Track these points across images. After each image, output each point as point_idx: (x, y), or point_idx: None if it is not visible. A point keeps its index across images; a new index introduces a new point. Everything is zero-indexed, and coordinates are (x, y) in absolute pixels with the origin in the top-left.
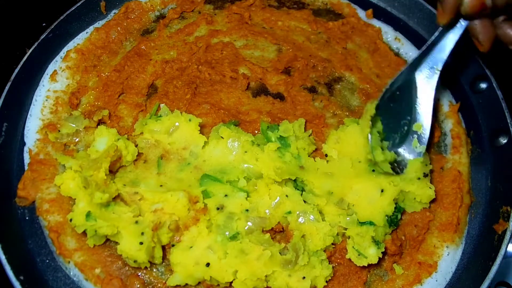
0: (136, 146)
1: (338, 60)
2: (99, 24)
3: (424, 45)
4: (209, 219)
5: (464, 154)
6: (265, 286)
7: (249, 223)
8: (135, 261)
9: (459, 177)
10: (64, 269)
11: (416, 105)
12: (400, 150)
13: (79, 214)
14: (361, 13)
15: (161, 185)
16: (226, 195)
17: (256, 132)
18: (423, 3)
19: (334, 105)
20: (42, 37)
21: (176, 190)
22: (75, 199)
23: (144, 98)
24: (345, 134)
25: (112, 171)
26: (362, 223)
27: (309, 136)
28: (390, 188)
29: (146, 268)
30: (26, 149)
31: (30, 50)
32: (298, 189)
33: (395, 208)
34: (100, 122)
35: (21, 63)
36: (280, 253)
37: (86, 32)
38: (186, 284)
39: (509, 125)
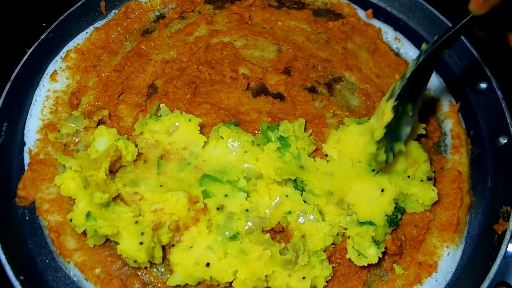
0: (136, 146)
1: (338, 60)
2: (99, 24)
3: (443, 34)
4: (209, 219)
5: (464, 154)
6: (265, 286)
7: (249, 223)
8: (135, 261)
9: (459, 177)
10: (64, 269)
11: (413, 87)
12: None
13: (79, 214)
14: (361, 13)
15: (161, 185)
16: (226, 195)
17: (256, 132)
18: (423, 3)
19: (334, 105)
20: (42, 37)
21: (176, 190)
22: (75, 199)
23: (144, 98)
24: (345, 134)
25: (112, 171)
26: (362, 223)
27: (309, 136)
28: (390, 188)
29: (146, 268)
30: (26, 149)
31: (30, 50)
32: (298, 189)
33: (395, 208)
34: (100, 122)
35: (21, 63)
36: (280, 253)
37: (86, 32)
38: (186, 284)
39: (509, 125)
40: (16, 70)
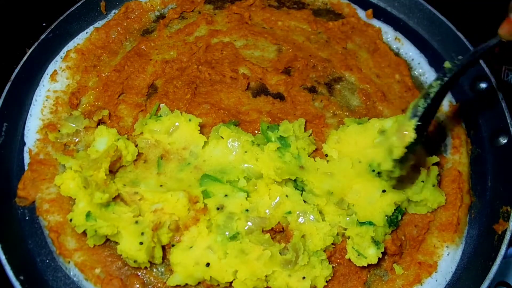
0: (136, 146)
1: (338, 60)
2: (99, 24)
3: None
4: (209, 219)
5: (464, 154)
6: (265, 286)
7: (249, 223)
8: (135, 261)
9: (459, 177)
10: (64, 269)
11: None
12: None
13: (79, 214)
14: (361, 13)
15: (161, 185)
16: (226, 195)
17: (256, 132)
18: (423, 3)
19: (334, 105)
20: (42, 37)
21: (176, 190)
22: (75, 199)
23: (144, 98)
24: (345, 134)
25: (112, 171)
26: (361, 223)
27: (309, 136)
28: (391, 189)
29: (146, 268)
30: (26, 149)
31: (30, 50)
32: (298, 189)
33: (396, 208)
34: (100, 122)
35: (21, 63)
36: (280, 253)
37: (86, 32)
38: (186, 284)
39: (509, 125)
40: (16, 70)
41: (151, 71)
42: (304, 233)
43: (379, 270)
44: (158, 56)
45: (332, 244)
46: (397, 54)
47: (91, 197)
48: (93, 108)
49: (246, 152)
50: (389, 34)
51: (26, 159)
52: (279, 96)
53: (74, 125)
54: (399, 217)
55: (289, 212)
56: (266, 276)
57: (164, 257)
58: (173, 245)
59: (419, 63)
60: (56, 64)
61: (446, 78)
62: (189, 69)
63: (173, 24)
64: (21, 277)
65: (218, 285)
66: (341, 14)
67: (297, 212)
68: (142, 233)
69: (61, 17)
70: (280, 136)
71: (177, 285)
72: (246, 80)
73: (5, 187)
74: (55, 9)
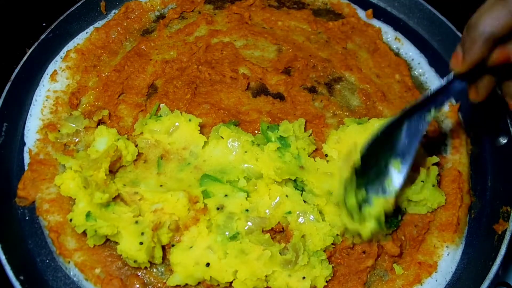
0: (136, 146)
1: (338, 60)
2: (99, 24)
3: (426, 93)
4: (209, 219)
5: (464, 154)
6: (265, 286)
7: (249, 223)
8: (135, 261)
9: (459, 177)
10: (64, 269)
11: (399, 145)
12: (371, 189)
13: (79, 214)
14: (361, 13)
15: (161, 185)
16: (226, 195)
17: (256, 132)
18: (423, 3)
19: (334, 105)
20: (42, 37)
21: (176, 190)
22: (75, 199)
23: (144, 98)
24: (345, 134)
25: (112, 171)
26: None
27: (309, 136)
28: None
29: (146, 268)
30: (26, 149)
31: (30, 50)
32: (298, 189)
33: (396, 209)
34: (100, 122)
35: (21, 63)
36: (280, 253)
37: (86, 32)
38: (186, 284)
39: (509, 125)
40: (16, 70)
41: (151, 71)
42: (304, 233)
43: (379, 270)
44: (158, 56)
45: (332, 244)
46: (397, 54)
47: (91, 197)
48: (93, 108)
49: (246, 152)
50: (389, 34)
51: (26, 159)
52: (279, 96)
53: (74, 125)
54: (399, 217)
55: (289, 212)
56: (266, 276)
57: (164, 257)
58: (173, 245)
59: (419, 63)
60: (56, 64)
61: (400, 113)
62: (189, 69)
63: (173, 24)
64: (21, 277)
65: (218, 285)
66: (341, 14)
67: (297, 212)
68: (142, 233)
69: (61, 17)
70: (280, 136)
71: (177, 285)
72: (246, 80)
73: (5, 187)
74: (55, 9)
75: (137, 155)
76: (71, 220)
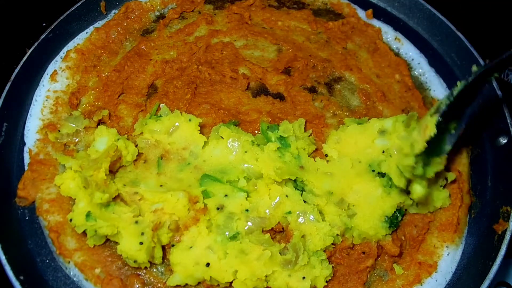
0: (136, 146)
1: (338, 60)
2: (99, 24)
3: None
4: (209, 219)
5: (464, 154)
6: (265, 286)
7: (249, 223)
8: (135, 261)
9: (459, 177)
10: (64, 269)
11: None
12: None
13: (79, 214)
14: (361, 13)
15: (161, 185)
16: (226, 195)
17: (256, 132)
18: (423, 3)
19: (334, 105)
20: (42, 37)
21: (176, 190)
22: (75, 199)
23: (144, 98)
24: (345, 134)
25: (112, 171)
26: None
27: (309, 136)
28: (391, 190)
29: (146, 268)
30: (26, 149)
31: (30, 50)
32: (298, 189)
33: (396, 210)
34: (100, 122)
35: (21, 63)
36: (280, 253)
37: (86, 32)
38: (186, 284)
39: (509, 125)
40: (16, 70)
41: (151, 71)
42: (304, 233)
43: (379, 270)
44: (158, 56)
45: (332, 244)
46: (397, 54)
47: (91, 197)
48: (93, 108)
49: (246, 152)
50: (389, 34)
51: (26, 159)
52: (279, 96)
53: (74, 125)
54: (399, 217)
55: (289, 212)
56: (266, 276)
57: (164, 257)
58: (173, 245)
59: (419, 63)
60: (56, 64)
61: (470, 79)
62: (189, 69)
63: (173, 24)
64: (21, 277)
65: (218, 285)
66: (341, 14)
67: (297, 212)
68: (142, 233)
69: (61, 17)
70: (280, 136)
71: (177, 285)
72: (246, 80)
73: (5, 187)
74: (55, 9)
75: (137, 155)
76: (71, 220)
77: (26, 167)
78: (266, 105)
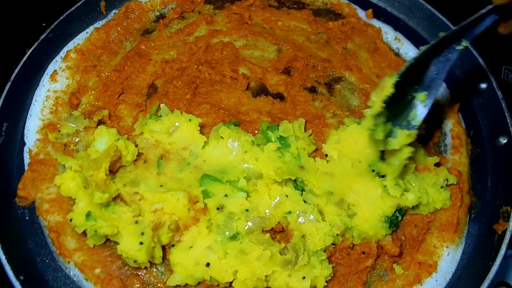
0: (136, 146)
1: (338, 60)
2: (99, 24)
3: (459, 25)
4: (209, 219)
5: (464, 154)
6: (265, 286)
7: (249, 223)
8: (135, 261)
9: (459, 177)
10: (64, 269)
11: (427, 76)
12: (396, 121)
13: (79, 214)
14: (361, 13)
15: (161, 185)
16: (226, 195)
17: (256, 132)
18: (423, 3)
19: (334, 105)
20: (42, 37)
21: (176, 190)
22: (75, 199)
23: (144, 98)
24: (345, 134)
25: (112, 171)
26: None
27: (309, 136)
28: (391, 190)
29: (146, 268)
30: (26, 149)
31: (30, 50)
32: (298, 189)
33: (396, 209)
34: (100, 122)
35: (21, 63)
36: (280, 253)
37: (86, 32)
38: (186, 284)
39: (509, 125)
40: (16, 70)
41: (151, 71)
42: (304, 233)
43: (379, 270)
44: (158, 56)
45: (332, 244)
46: (397, 54)
47: (91, 197)
48: (93, 108)
49: (246, 152)
50: (389, 34)
51: (26, 159)
52: (279, 96)
53: (74, 125)
54: (399, 218)
55: (289, 212)
56: (266, 276)
57: (164, 257)
58: (173, 245)
59: None
60: (56, 64)
61: (433, 42)
62: (189, 69)
63: (173, 24)
64: (21, 277)
65: (218, 285)
66: (341, 14)
67: (297, 212)
68: (142, 233)
69: (61, 17)
70: (280, 136)
71: (177, 285)
72: (246, 80)
73: (5, 187)
74: (55, 9)
75: (137, 155)
76: (71, 220)
77: (26, 167)
78: (266, 105)
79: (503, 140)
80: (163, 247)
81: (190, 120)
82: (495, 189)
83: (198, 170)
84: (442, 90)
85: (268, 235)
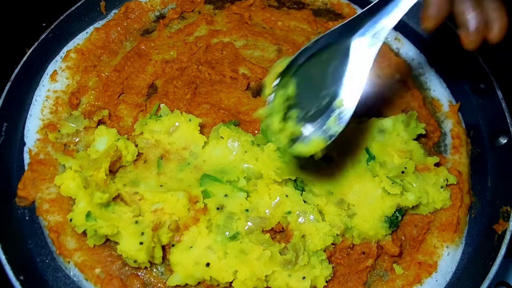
0: (136, 146)
1: None
2: (99, 24)
3: (371, 4)
4: (209, 219)
5: (464, 154)
6: (265, 286)
7: (249, 223)
8: (135, 261)
9: (459, 177)
10: (64, 269)
11: (343, 77)
12: (310, 124)
13: (79, 214)
14: None
15: (161, 185)
16: (226, 195)
17: (256, 132)
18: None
19: None
20: (42, 37)
21: (176, 190)
22: (75, 199)
23: (144, 98)
24: (345, 134)
25: (112, 171)
26: None
27: None
28: (391, 189)
29: (146, 268)
30: (26, 149)
31: (30, 50)
32: (298, 189)
33: (396, 209)
34: (100, 122)
35: (21, 63)
36: (280, 253)
37: (86, 32)
38: (186, 284)
39: (509, 125)
40: (16, 70)
41: (151, 71)
42: (304, 233)
43: (379, 270)
44: (158, 56)
45: (332, 244)
46: (397, 54)
47: (91, 197)
48: (93, 108)
49: (246, 152)
50: (389, 34)
51: (26, 159)
52: None
53: (74, 125)
54: (399, 218)
55: (289, 212)
56: (266, 276)
57: (164, 257)
58: (173, 245)
59: (419, 63)
60: (56, 64)
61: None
62: (189, 69)
63: (173, 24)
64: (21, 277)
65: (218, 285)
66: (341, 14)
67: (297, 212)
68: (142, 233)
69: (61, 17)
70: None
71: (177, 285)
72: (246, 80)
73: (5, 187)
74: (55, 9)
75: (137, 155)
76: (71, 220)
77: (26, 167)
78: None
79: (503, 140)
80: (163, 247)
81: (190, 120)
82: (495, 189)
83: (198, 170)
84: (442, 90)
85: (268, 235)
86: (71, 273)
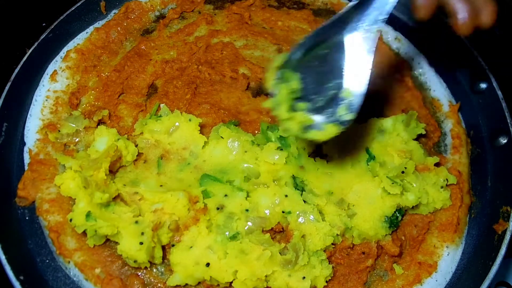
0: (136, 146)
1: None
2: (99, 24)
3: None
4: (209, 219)
5: (464, 154)
6: (265, 286)
7: (249, 223)
8: (135, 261)
9: (459, 177)
10: (64, 269)
11: (344, 70)
12: (321, 115)
13: (79, 214)
14: None
15: (161, 185)
16: (226, 195)
17: (256, 132)
18: None
19: None
20: (42, 37)
21: (176, 190)
22: (75, 199)
23: (144, 98)
24: (345, 134)
25: (112, 171)
26: None
27: None
28: (391, 189)
29: (146, 268)
30: (26, 149)
31: (30, 50)
32: (298, 189)
33: (396, 209)
34: (100, 122)
35: (21, 63)
36: (280, 253)
37: (86, 32)
38: (186, 284)
39: (509, 125)
40: (16, 70)
41: (151, 71)
42: (304, 233)
43: (379, 270)
44: (158, 56)
45: (332, 244)
46: (397, 54)
47: (91, 197)
48: (93, 108)
49: (246, 152)
50: (389, 34)
51: (26, 159)
52: None
53: (74, 125)
54: (399, 218)
55: (289, 212)
56: (266, 276)
57: (164, 257)
58: (173, 245)
59: (419, 63)
60: (56, 64)
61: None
62: (189, 69)
63: (173, 24)
64: (21, 277)
65: (218, 285)
66: None
67: (297, 212)
68: (142, 233)
69: (61, 17)
70: (280, 136)
71: (177, 285)
72: (246, 80)
73: (5, 187)
74: (55, 9)
75: (137, 155)
76: (71, 220)
77: (26, 167)
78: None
79: (503, 140)
80: (163, 247)
81: (190, 120)
82: (495, 189)
83: (198, 170)
84: (442, 90)
85: (268, 235)
86: (71, 273)
